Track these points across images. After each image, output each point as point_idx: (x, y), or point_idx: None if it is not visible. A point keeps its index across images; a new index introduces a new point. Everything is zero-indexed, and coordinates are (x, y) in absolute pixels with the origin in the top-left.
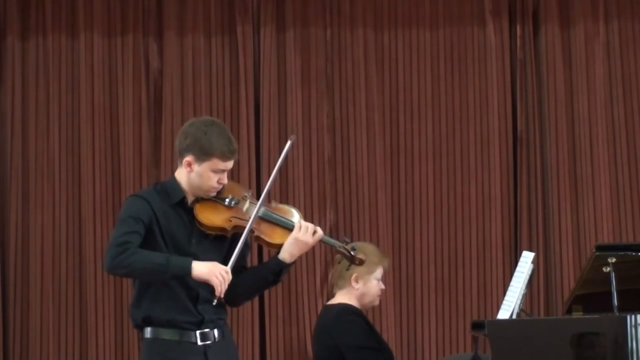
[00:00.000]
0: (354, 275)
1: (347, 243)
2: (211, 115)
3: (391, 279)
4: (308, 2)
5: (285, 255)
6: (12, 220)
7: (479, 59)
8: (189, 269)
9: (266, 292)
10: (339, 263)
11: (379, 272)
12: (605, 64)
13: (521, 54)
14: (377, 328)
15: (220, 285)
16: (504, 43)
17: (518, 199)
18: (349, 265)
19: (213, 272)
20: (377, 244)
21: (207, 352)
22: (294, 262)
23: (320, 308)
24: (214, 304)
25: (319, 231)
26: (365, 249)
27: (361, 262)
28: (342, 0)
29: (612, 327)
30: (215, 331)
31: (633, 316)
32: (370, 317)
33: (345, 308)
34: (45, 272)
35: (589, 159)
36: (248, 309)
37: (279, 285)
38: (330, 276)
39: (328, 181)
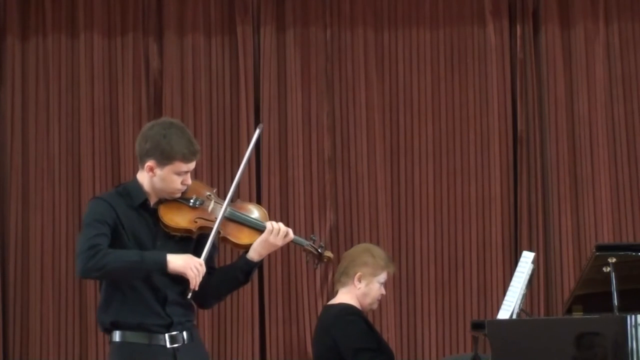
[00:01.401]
0: (357, 274)
1: (314, 241)
2: (211, 115)
3: (391, 278)
4: (308, 2)
5: (254, 255)
6: (12, 220)
7: (479, 59)
8: (164, 263)
9: (266, 292)
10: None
11: (382, 276)
12: (606, 65)
13: (521, 54)
14: (377, 328)
15: (195, 278)
16: (504, 43)
17: (518, 199)
18: (316, 264)
19: (188, 265)
20: (377, 244)
21: (176, 354)
22: (261, 261)
23: (320, 308)
24: (189, 297)
25: (290, 233)
26: (374, 251)
27: (329, 260)
28: (342, 0)
29: (612, 327)
30: (184, 333)
31: (633, 316)
32: (370, 317)
33: (345, 308)
34: (45, 272)
35: (589, 159)
36: (248, 309)
37: (279, 285)
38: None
39: (328, 181)
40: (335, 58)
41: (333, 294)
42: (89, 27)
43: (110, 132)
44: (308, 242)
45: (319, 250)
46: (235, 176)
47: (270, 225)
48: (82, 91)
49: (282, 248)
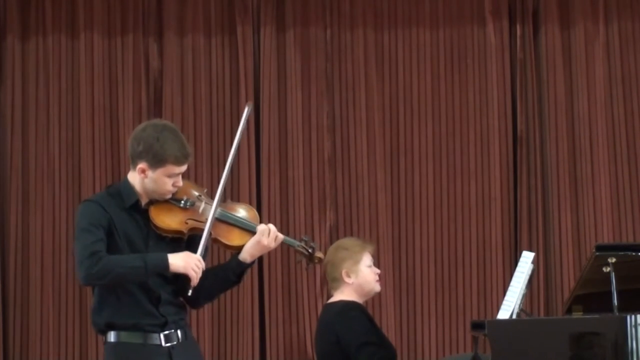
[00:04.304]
0: (343, 272)
1: (306, 242)
2: (211, 115)
3: (391, 279)
4: (308, 2)
5: (246, 256)
6: (12, 220)
7: (479, 59)
8: (166, 265)
9: (266, 292)
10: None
11: (366, 259)
12: (605, 65)
13: (521, 54)
14: None
15: (197, 276)
16: (504, 43)
17: (518, 199)
18: (308, 264)
19: (189, 264)
20: (377, 244)
21: (171, 353)
22: (254, 262)
23: (320, 308)
24: (189, 294)
25: (280, 236)
26: (343, 243)
27: (319, 261)
28: (342, 0)
29: (612, 327)
30: (179, 332)
31: (633, 316)
32: None
33: (347, 304)
34: (45, 272)
35: (589, 159)
36: (248, 309)
37: (279, 285)
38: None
39: (328, 181)
40: (335, 58)
41: (331, 296)
42: (89, 27)
43: (110, 132)
44: (299, 243)
45: (310, 250)
46: (227, 177)
47: (262, 227)
48: (82, 91)
49: (282, 248)
